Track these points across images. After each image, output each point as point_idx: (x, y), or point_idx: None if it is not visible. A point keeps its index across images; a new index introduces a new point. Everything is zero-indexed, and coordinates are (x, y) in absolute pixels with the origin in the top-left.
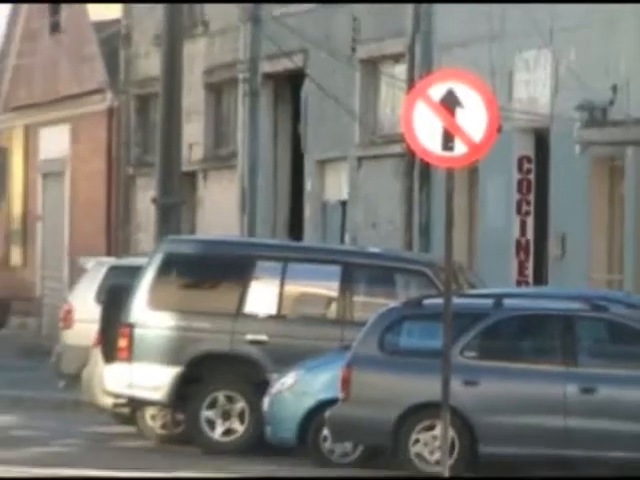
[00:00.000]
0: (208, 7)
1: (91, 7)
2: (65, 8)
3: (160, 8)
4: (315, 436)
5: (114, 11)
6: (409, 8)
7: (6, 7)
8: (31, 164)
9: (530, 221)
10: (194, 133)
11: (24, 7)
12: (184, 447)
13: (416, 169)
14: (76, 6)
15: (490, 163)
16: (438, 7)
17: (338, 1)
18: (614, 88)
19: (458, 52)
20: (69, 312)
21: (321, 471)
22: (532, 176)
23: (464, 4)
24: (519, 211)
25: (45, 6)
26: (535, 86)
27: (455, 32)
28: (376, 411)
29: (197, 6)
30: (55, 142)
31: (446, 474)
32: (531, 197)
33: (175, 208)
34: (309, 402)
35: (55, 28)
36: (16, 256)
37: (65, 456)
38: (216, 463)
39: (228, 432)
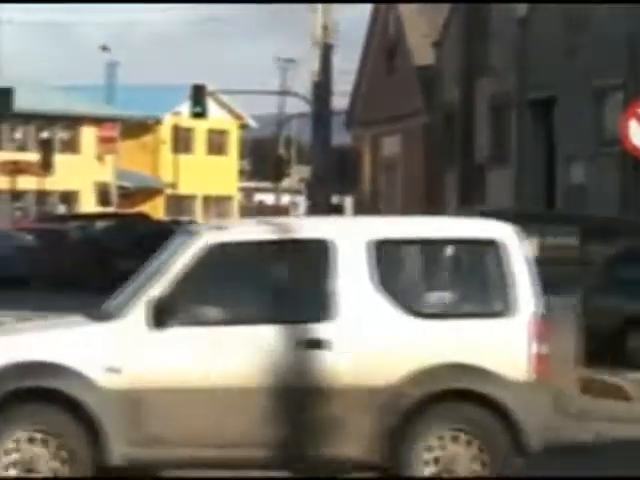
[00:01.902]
0: (491, 57)
1: (415, 55)
2: (398, 56)
3: (460, 57)
4: None
5: (429, 58)
6: (625, 53)
7: (358, 51)
8: (377, 160)
9: None
10: (482, 139)
11: (371, 53)
12: None
13: (629, 162)
14: (406, 54)
15: None
16: None
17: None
18: None
19: None
20: None
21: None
22: None
23: None
24: None
25: (385, 53)
26: None
27: None
28: None
29: (485, 55)
30: (391, 146)
31: None
32: None
33: (470, 189)
34: None
35: (391, 69)
36: None
37: None
38: None
39: None
